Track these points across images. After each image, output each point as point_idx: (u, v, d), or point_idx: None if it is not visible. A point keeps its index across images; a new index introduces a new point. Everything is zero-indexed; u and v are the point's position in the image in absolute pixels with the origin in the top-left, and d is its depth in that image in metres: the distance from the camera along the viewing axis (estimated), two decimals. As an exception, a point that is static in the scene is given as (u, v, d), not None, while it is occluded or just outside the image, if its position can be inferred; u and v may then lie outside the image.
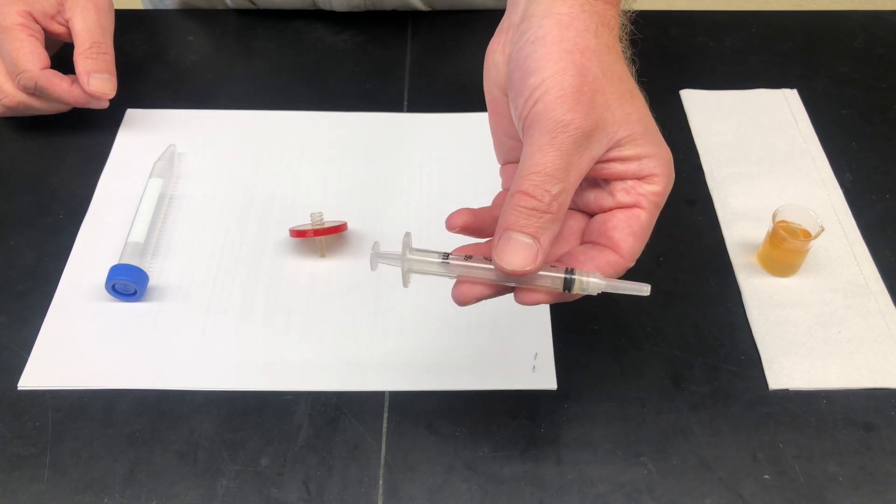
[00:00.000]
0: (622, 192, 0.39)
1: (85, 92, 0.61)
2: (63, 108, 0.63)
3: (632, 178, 0.39)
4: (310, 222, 0.57)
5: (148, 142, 0.64)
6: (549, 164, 0.36)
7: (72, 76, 0.61)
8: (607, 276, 0.39)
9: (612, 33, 0.39)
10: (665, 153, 0.39)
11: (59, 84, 0.60)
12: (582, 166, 0.37)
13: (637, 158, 0.38)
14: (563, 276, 0.38)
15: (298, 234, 0.55)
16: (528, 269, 0.37)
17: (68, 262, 0.56)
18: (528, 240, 0.37)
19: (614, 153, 0.38)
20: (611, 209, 0.40)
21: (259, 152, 0.64)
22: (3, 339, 0.52)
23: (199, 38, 0.75)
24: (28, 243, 0.57)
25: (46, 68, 0.61)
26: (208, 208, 0.60)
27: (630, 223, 0.40)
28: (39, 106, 0.62)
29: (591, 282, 0.38)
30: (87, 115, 0.65)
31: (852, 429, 0.49)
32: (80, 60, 0.61)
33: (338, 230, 0.56)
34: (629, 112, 0.38)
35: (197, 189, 0.61)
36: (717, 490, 0.46)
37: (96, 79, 0.61)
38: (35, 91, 0.61)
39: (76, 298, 0.54)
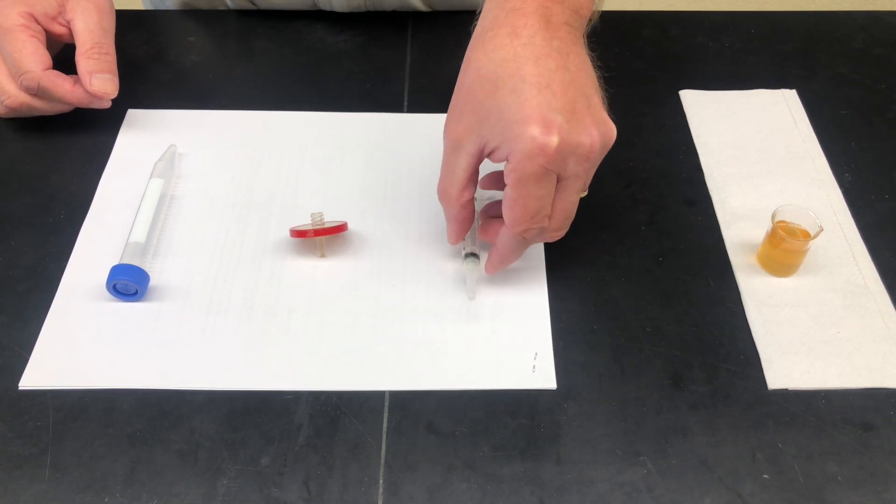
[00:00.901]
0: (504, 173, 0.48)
1: (87, 92, 0.61)
2: (65, 109, 0.63)
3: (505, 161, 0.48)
4: (310, 222, 0.57)
5: (149, 142, 0.64)
6: (442, 169, 0.51)
7: (74, 76, 0.61)
8: (501, 242, 0.51)
9: (513, 27, 0.47)
10: (512, 132, 0.45)
11: (61, 84, 0.60)
12: (461, 164, 0.49)
13: (497, 148, 0.47)
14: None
15: (299, 234, 0.56)
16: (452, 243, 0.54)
17: (69, 262, 0.56)
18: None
19: (486, 149, 0.48)
20: None
21: (259, 152, 0.64)
22: (4, 338, 0.52)
23: (200, 38, 0.75)
24: (29, 243, 0.57)
25: (48, 69, 0.61)
26: (209, 208, 0.60)
27: (504, 197, 0.48)
28: (42, 106, 0.62)
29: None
30: (88, 116, 0.65)
31: (851, 428, 0.49)
32: (82, 61, 0.61)
33: (338, 230, 0.56)
34: (489, 109, 0.46)
35: (198, 189, 0.61)
36: (716, 489, 0.46)
37: (98, 79, 0.61)
38: (37, 92, 0.61)
39: (77, 298, 0.54)
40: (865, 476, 0.47)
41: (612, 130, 0.49)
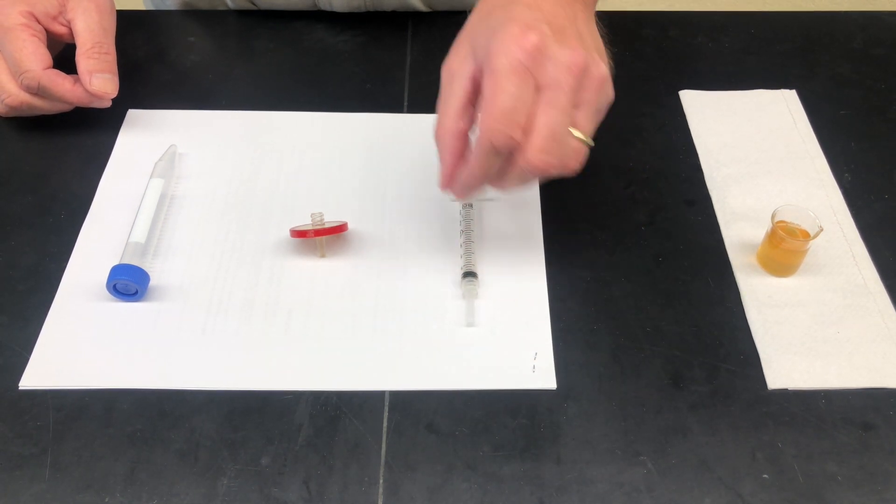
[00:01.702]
0: None
1: (87, 91, 0.61)
2: (66, 108, 0.63)
3: None
4: (310, 222, 0.57)
5: (149, 142, 0.64)
6: (438, 106, 0.49)
7: (74, 76, 0.61)
8: (473, 153, 0.48)
9: None
10: (494, 35, 0.46)
11: (61, 84, 0.60)
12: (455, 92, 0.48)
13: (483, 61, 0.46)
14: None
15: (299, 234, 0.56)
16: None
17: (69, 262, 0.56)
18: None
19: (478, 72, 0.47)
20: None
21: (259, 153, 0.64)
22: (4, 338, 0.52)
23: (200, 38, 0.75)
24: (29, 243, 0.58)
25: (49, 68, 0.61)
26: (209, 208, 0.60)
27: (480, 103, 0.47)
28: (42, 105, 0.62)
29: None
30: (88, 116, 0.65)
31: (851, 428, 0.49)
32: (83, 60, 0.61)
33: (338, 230, 0.56)
34: (480, 31, 0.48)
35: (198, 189, 0.61)
36: (716, 489, 0.46)
37: (98, 78, 0.61)
38: (38, 91, 0.61)
39: (77, 298, 0.54)
40: (865, 476, 0.47)
41: (602, 68, 0.47)
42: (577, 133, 0.47)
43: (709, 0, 1.79)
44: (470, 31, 0.49)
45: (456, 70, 0.48)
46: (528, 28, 0.45)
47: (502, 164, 0.48)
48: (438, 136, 0.49)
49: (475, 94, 0.47)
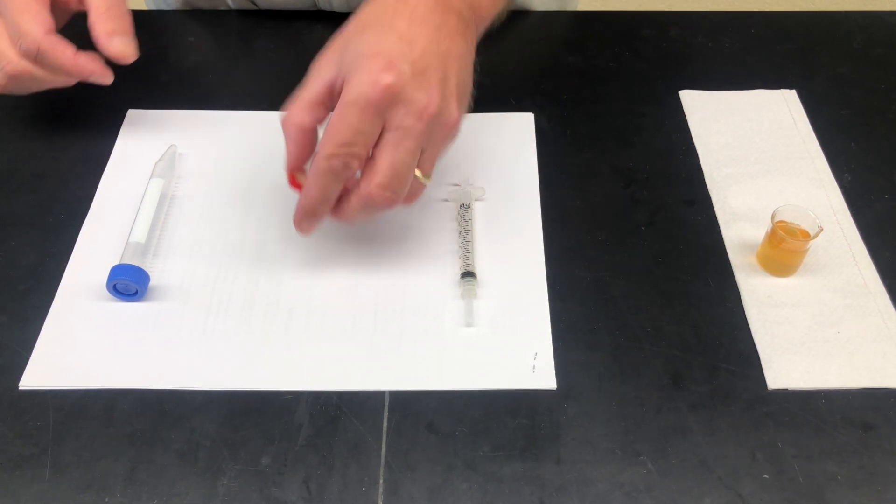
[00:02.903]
0: None
1: (89, 63, 0.57)
2: (67, 82, 0.59)
3: None
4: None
5: (149, 142, 0.64)
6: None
7: (80, 50, 0.57)
8: (310, 172, 0.49)
9: None
10: (357, 63, 0.47)
11: (62, 51, 0.56)
12: (311, 87, 0.49)
13: (344, 80, 0.47)
14: None
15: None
16: None
17: (69, 262, 0.56)
18: None
19: (338, 82, 0.48)
20: None
21: (260, 152, 0.64)
22: (4, 338, 0.52)
23: (201, 38, 0.75)
24: (29, 243, 0.58)
25: (51, 33, 0.56)
26: (209, 208, 0.60)
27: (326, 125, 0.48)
28: (43, 76, 0.57)
29: None
30: (88, 116, 0.65)
31: (851, 428, 0.49)
32: (98, 23, 0.57)
33: None
34: (352, 44, 0.48)
35: (198, 189, 0.61)
36: (716, 489, 0.46)
37: (118, 40, 0.57)
38: (37, 57, 0.56)
39: (77, 298, 0.54)
40: (865, 476, 0.47)
41: (455, 115, 0.49)
42: (417, 173, 0.50)
43: (709, 0, 1.79)
44: (345, 39, 0.50)
45: (321, 69, 0.49)
46: (387, 67, 0.46)
47: (342, 194, 0.50)
48: (284, 125, 0.50)
49: (329, 98, 0.49)
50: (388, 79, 0.45)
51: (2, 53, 0.56)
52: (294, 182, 0.53)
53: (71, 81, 0.59)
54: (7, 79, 0.57)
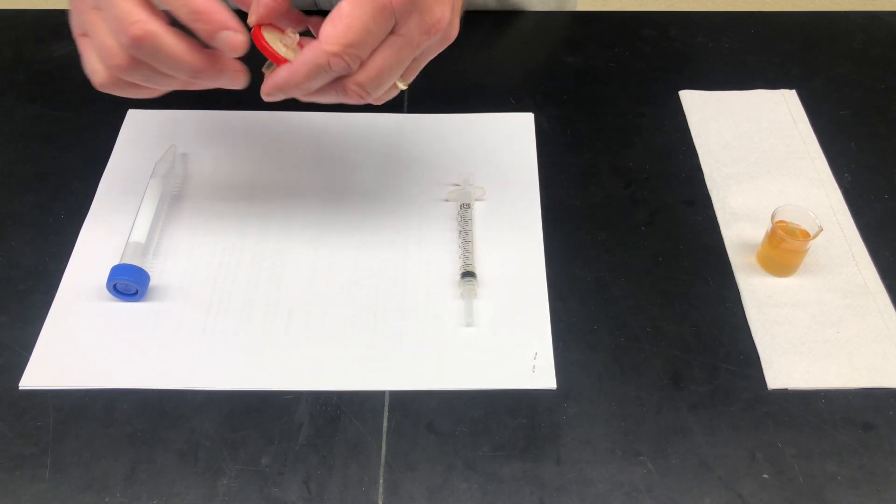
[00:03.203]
0: None
1: (214, 56, 0.45)
2: (188, 82, 0.47)
3: None
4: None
5: (149, 142, 0.64)
6: None
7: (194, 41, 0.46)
8: (305, 57, 0.44)
9: None
10: None
11: (176, 43, 0.44)
12: None
13: None
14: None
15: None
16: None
17: (70, 261, 0.56)
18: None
19: None
20: None
21: (260, 153, 0.64)
22: (4, 338, 0.52)
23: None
24: (29, 243, 0.58)
25: (159, 19, 0.44)
26: (209, 208, 0.60)
27: (331, 13, 0.43)
28: (152, 73, 0.46)
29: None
30: (88, 116, 0.65)
31: (851, 428, 0.49)
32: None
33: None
34: None
35: (198, 189, 0.61)
36: (716, 489, 0.46)
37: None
38: (144, 52, 0.44)
39: (77, 298, 0.54)
40: (865, 476, 0.47)
41: (455, 32, 0.48)
42: (399, 83, 0.48)
43: (709, 0, 1.79)
44: None
45: None
46: None
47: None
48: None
49: None
50: None
51: (104, 46, 0.45)
52: (259, 38, 0.45)
53: (179, 83, 0.47)
54: (110, 76, 0.47)
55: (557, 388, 0.50)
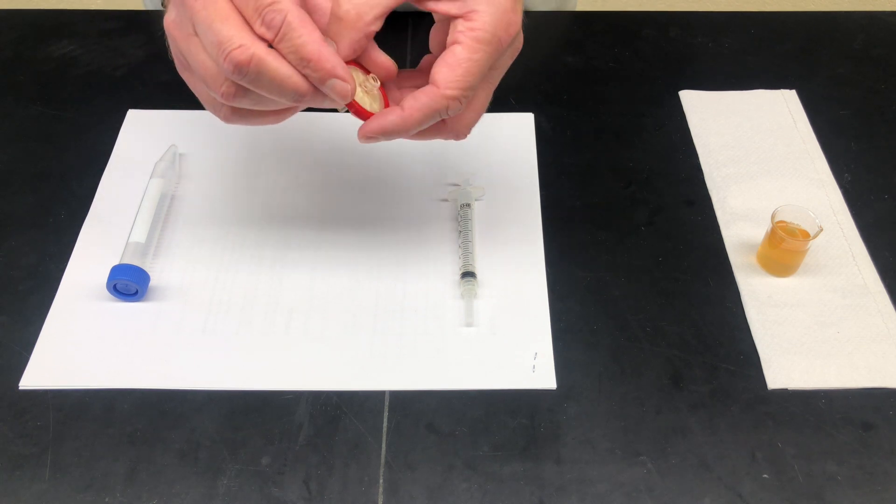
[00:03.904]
0: (450, 34, 0.43)
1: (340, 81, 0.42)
2: (290, 107, 0.45)
3: (457, 18, 0.43)
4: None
5: (149, 142, 0.64)
6: None
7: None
8: (421, 101, 0.43)
9: None
10: (484, 6, 0.42)
11: (279, 67, 0.41)
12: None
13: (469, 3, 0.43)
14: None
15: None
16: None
17: (69, 262, 0.56)
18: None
19: None
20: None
21: (260, 152, 0.64)
22: (4, 338, 0.52)
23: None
24: (29, 243, 0.58)
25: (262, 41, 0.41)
26: (209, 208, 0.60)
27: (445, 57, 0.43)
28: (259, 99, 0.43)
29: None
30: (88, 116, 0.65)
31: (851, 428, 0.49)
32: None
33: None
34: None
35: (198, 189, 0.61)
36: (716, 489, 0.46)
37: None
38: (248, 77, 0.40)
39: (77, 298, 0.54)
40: (865, 476, 0.47)
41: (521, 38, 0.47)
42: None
43: (709, 0, 1.79)
44: None
45: None
46: (514, 7, 0.43)
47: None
48: (347, 22, 0.43)
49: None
50: (516, 20, 0.43)
51: (207, 72, 0.42)
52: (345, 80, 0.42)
53: (297, 105, 0.44)
54: (227, 108, 0.44)
55: (557, 388, 0.50)
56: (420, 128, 0.44)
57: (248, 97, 0.42)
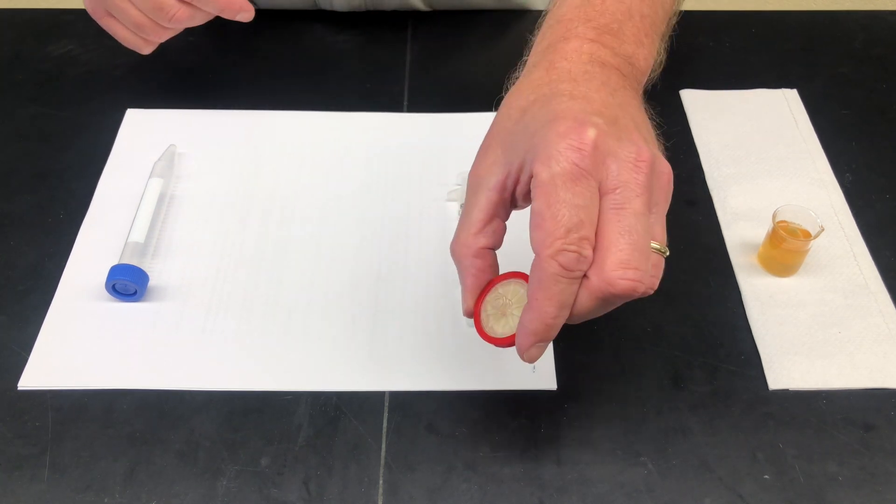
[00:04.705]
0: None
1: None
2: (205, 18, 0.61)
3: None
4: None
5: (148, 142, 0.64)
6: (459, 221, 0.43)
7: None
8: (532, 288, 0.38)
9: (550, 62, 0.44)
10: (537, 136, 0.39)
11: None
12: (479, 203, 0.41)
13: (523, 166, 0.40)
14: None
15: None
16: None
17: (68, 262, 0.56)
18: None
19: (511, 177, 0.41)
20: None
21: (259, 152, 0.64)
22: (3, 338, 0.52)
23: (200, 37, 0.75)
24: (28, 243, 0.57)
25: None
26: (208, 208, 0.60)
27: (530, 222, 0.38)
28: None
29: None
30: (88, 116, 0.65)
31: (852, 429, 0.49)
32: None
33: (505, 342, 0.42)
34: (515, 132, 0.41)
35: (197, 189, 0.61)
36: (716, 490, 0.46)
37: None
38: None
39: (76, 298, 0.54)
40: (866, 476, 0.47)
41: (667, 164, 0.40)
42: (653, 243, 0.39)
43: (709, 0, 1.79)
44: (499, 131, 0.42)
45: (483, 177, 0.41)
46: (579, 123, 0.38)
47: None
48: (455, 252, 0.42)
49: (503, 206, 0.41)
50: (588, 134, 0.37)
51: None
52: (477, 318, 0.43)
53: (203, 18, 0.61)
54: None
55: (558, 389, 0.50)
56: (562, 309, 0.38)
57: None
